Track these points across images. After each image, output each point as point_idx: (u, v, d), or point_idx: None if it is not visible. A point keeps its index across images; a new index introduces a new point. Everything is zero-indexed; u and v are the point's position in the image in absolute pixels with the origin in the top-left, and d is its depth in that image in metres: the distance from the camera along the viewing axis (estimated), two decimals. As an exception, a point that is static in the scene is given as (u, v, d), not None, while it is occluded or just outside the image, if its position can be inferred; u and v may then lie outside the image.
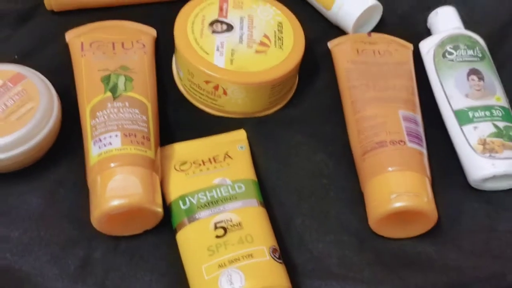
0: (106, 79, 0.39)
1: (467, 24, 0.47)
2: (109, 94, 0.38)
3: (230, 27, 0.42)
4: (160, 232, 0.36)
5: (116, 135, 0.36)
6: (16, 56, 0.43)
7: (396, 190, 0.35)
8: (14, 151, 0.36)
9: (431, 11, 0.48)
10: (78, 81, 0.40)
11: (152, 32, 0.45)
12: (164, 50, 0.44)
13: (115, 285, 0.34)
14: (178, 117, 0.43)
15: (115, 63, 0.40)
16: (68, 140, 0.39)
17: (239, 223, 0.34)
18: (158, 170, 0.37)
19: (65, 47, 0.43)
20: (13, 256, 0.35)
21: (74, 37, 0.43)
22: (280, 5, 0.44)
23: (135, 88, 0.39)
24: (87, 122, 0.37)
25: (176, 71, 0.44)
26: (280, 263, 0.33)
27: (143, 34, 0.44)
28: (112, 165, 0.35)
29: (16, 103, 0.37)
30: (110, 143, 0.35)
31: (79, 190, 0.37)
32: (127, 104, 0.38)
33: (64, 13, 0.46)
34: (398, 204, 0.35)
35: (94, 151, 0.36)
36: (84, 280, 0.35)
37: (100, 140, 0.36)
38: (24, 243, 0.35)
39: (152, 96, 0.40)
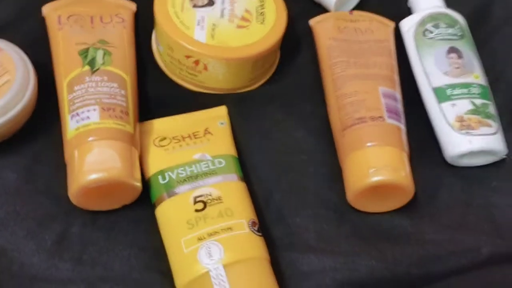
0: (84, 53, 0.38)
1: (449, 2, 0.47)
2: (87, 68, 0.37)
3: (211, 2, 0.41)
4: (139, 207, 0.36)
5: (95, 109, 0.35)
6: (-9, 29, 0.42)
7: (374, 164, 0.36)
8: (-11, 124, 0.35)
9: (412, -10, 0.48)
10: (54, 54, 0.40)
11: (132, 6, 0.44)
12: (143, 24, 0.44)
13: (92, 259, 0.34)
14: (157, 93, 0.42)
15: (94, 37, 0.40)
16: (44, 114, 0.39)
17: (219, 197, 0.34)
18: (137, 145, 0.36)
19: (42, 20, 0.42)
20: (-11, 230, 0.35)
21: (51, 10, 0.42)
22: (262, -20, 0.44)
23: (114, 62, 0.38)
24: (64, 96, 0.37)
25: (156, 46, 0.43)
26: (259, 235, 0.34)
27: (122, 8, 0.43)
28: (90, 139, 0.34)
29: (-9, 76, 0.36)
30: (88, 117, 0.35)
31: (56, 165, 0.37)
32: (105, 78, 0.37)
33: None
34: (376, 178, 0.35)
35: (71, 125, 0.35)
36: (61, 255, 0.34)
37: (78, 114, 0.35)
38: (0, 218, 0.35)
39: (131, 70, 0.39)
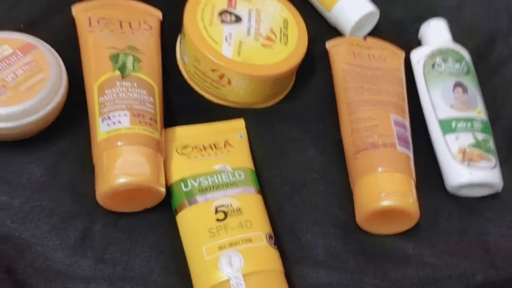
0: (114, 58, 0.40)
1: (454, 37, 0.50)
2: (118, 73, 0.39)
3: (238, 19, 0.43)
4: (159, 212, 0.38)
5: (125, 115, 0.37)
6: (22, 26, 0.43)
7: (385, 189, 0.38)
8: (21, 120, 0.36)
9: (422, 21, 0.51)
10: (84, 56, 0.41)
11: (158, 14, 0.45)
12: (167, 33, 0.45)
13: (114, 259, 0.36)
14: (178, 101, 0.44)
15: (123, 43, 0.41)
16: (71, 113, 0.40)
17: (239, 209, 0.36)
18: (163, 151, 0.38)
19: (70, 20, 0.44)
20: (14, 223, 0.36)
21: (81, 11, 0.43)
22: (286, 1, 0.46)
23: (143, 69, 0.40)
24: (94, 98, 0.38)
25: (181, 55, 0.45)
26: (276, 249, 0.36)
27: (150, 16, 0.45)
28: (120, 143, 0.36)
29: (26, 73, 0.37)
30: (120, 122, 0.36)
31: (81, 163, 0.38)
32: (135, 84, 0.39)
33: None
34: (386, 203, 0.38)
35: (102, 128, 0.37)
36: (84, 252, 0.36)
37: (109, 118, 0.37)
38: (25, 212, 0.36)
39: (158, 78, 0.41)
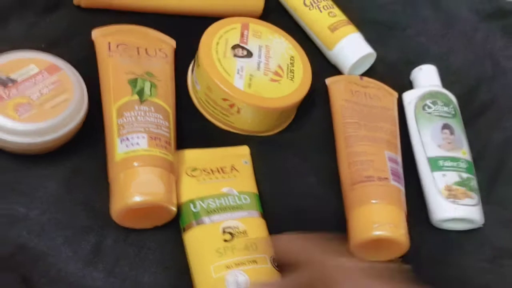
0: (133, 82, 0.42)
1: (443, 82, 0.54)
2: (136, 97, 0.41)
3: (249, 54, 0.46)
4: (167, 230, 0.40)
5: (143, 137, 0.39)
6: (43, 45, 0.45)
7: (378, 220, 0.41)
8: (44, 137, 0.38)
9: (414, 66, 0.55)
10: (103, 79, 0.43)
11: (173, 43, 0.48)
12: (178, 61, 0.48)
13: (123, 273, 0.38)
14: (188, 126, 0.46)
15: (141, 68, 0.44)
16: (87, 132, 0.42)
17: (245, 231, 0.38)
18: (175, 173, 0.40)
19: (89, 42, 0.46)
20: (30, 234, 0.37)
21: (101, 35, 0.46)
22: (292, 40, 0.49)
23: (159, 95, 0.42)
24: (113, 119, 0.40)
25: (192, 83, 0.48)
26: (278, 271, 0.38)
27: (165, 44, 0.47)
28: (136, 164, 0.38)
29: (51, 92, 0.39)
30: (138, 144, 0.39)
31: (95, 180, 0.41)
32: (152, 109, 0.41)
33: (88, 10, 0.49)
34: (379, 233, 0.41)
35: (120, 148, 0.39)
36: (95, 265, 0.38)
37: (128, 139, 0.39)
38: (41, 224, 0.38)
39: (172, 104, 0.43)
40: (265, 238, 0.39)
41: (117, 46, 0.45)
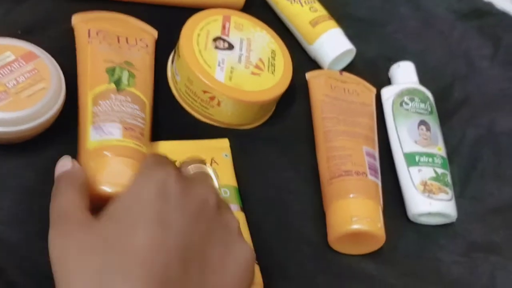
0: (111, 71, 0.41)
1: (420, 79, 0.55)
2: (113, 86, 0.41)
3: (231, 46, 0.46)
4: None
5: (118, 127, 0.39)
6: (19, 32, 0.44)
7: (356, 214, 0.42)
8: (20, 126, 0.37)
9: (392, 62, 0.56)
10: (81, 66, 0.43)
11: (154, 33, 0.48)
12: (158, 51, 0.48)
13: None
14: (166, 117, 0.46)
15: (120, 57, 0.43)
16: (63, 121, 0.41)
17: (225, 224, 0.38)
18: None
19: (67, 29, 0.45)
20: (3, 225, 0.37)
21: (81, 22, 0.45)
22: (274, 34, 0.49)
23: (137, 85, 0.42)
24: (88, 107, 0.40)
25: (172, 74, 0.47)
26: (257, 263, 0.38)
27: (146, 34, 0.47)
28: (108, 154, 0.38)
29: (27, 80, 0.38)
30: (112, 133, 0.38)
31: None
32: (129, 99, 0.41)
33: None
34: (357, 226, 0.41)
35: (92, 137, 0.38)
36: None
37: (101, 128, 0.38)
38: (14, 215, 0.37)
39: (150, 95, 0.43)
40: (244, 231, 0.39)
41: (97, 33, 0.44)
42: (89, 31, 0.44)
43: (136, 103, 0.41)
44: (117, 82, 0.41)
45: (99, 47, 0.43)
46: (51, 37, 0.45)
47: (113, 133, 0.39)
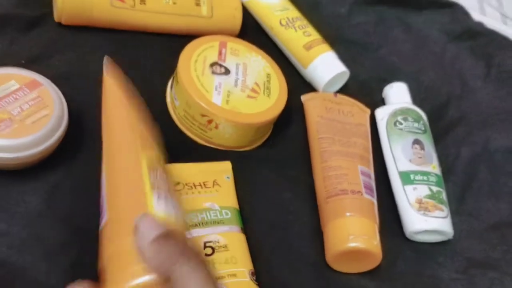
0: None
1: (413, 99, 0.56)
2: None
3: (227, 71, 0.48)
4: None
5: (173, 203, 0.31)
6: (23, 61, 0.45)
7: (353, 232, 0.43)
8: (24, 152, 0.39)
9: (386, 83, 0.58)
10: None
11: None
12: (158, 77, 0.49)
13: None
14: (166, 141, 0.47)
15: None
16: (68, 147, 0.42)
17: (225, 245, 0.39)
18: None
19: (69, 57, 0.47)
20: (10, 250, 0.37)
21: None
22: (269, 58, 0.51)
23: None
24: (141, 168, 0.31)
25: (171, 99, 0.49)
26: (257, 284, 0.39)
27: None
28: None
29: (31, 108, 0.40)
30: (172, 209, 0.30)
31: (75, 196, 0.41)
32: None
33: (69, 27, 0.50)
34: (354, 244, 0.42)
35: (158, 207, 0.30)
36: (73, 280, 0.38)
37: (164, 199, 0.30)
38: (21, 239, 0.38)
39: None
40: (244, 252, 0.40)
41: None
42: None
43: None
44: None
45: None
46: (54, 66, 0.47)
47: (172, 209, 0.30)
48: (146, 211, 0.29)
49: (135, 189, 0.30)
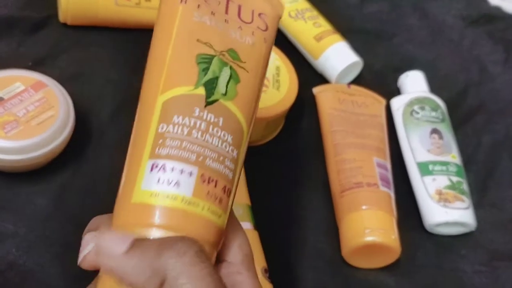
0: (205, 62, 0.23)
1: (430, 88, 0.55)
2: (202, 90, 0.23)
3: (235, 65, 0.47)
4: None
5: (191, 173, 0.22)
6: (30, 63, 0.45)
7: (369, 226, 0.41)
8: (31, 154, 0.38)
9: (401, 72, 0.56)
10: (157, 43, 0.24)
11: (280, 8, 0.27)
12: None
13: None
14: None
15: (224, 41, 0.24)
16: (75, 147, 0.42)
17: (236, 242, 0.38)
18: (220, 242, 0.24)
19: (75, 57, 0.46)
20: (19, 251, 0.37)
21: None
22: (278, 51, 0.50)
23: (239, 97, 0.24)
24: (151, 123, 0.23)
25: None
26: (270, 282, 0.38)
27: (270, 6, 0.26)
28: (160, 221, 0.22)
29: (37, 109, 0.39)
30: (178, 183, 0.22)
31: (83, 196, 0.40)
32: (221, 121, 0.23)
33: (74, 27, 0.49)
34: (371, 238, 0.41)
35: (147, 181, 0.22)
36: (85, 282, 0.37)
37: (164, 169, 0.22)
38: (30, 241, 0.38)
39: (251, 117, 0.25)
40: (257, 250, 0.39)
41: None
42: None
43: (230, 130, 0.23)
44: (209, 85, 0.23)
45: (196, 14, 0.24)
46: (60, 66, 0.47)
47: (181, 183, 0.22)
48: (131, 187, 0.22)
49: (137, 145, 0.23)
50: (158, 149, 0.22)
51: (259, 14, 0.25)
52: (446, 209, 0.45)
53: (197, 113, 0.23)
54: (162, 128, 0.22)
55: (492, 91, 0.58)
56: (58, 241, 0.38)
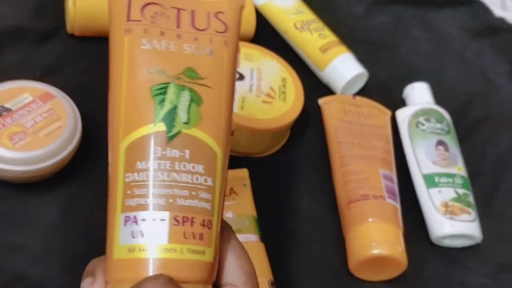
0: (160, 93, 0.22)
1: (436, 99, 0.55)
2: (161, 126, 0.22)
3: (242, 77, 0.47)
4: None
5: (163, 219, 0.21)
6: (37, 74, 0.45)
7: (376, 238, 0.41)
8: (39, 165, 0.38)
9: (406, 83, 0.56)
10: (112, 83, 0.23)
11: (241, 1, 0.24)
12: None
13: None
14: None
15: (178, 61, 0.22)
16: (83, 158, 0.42)
17: (243, 254, 0.38)
18: (214, 275, 0.23)
19: (83, 68, 0.46)
20: (26, 263, 0.37)
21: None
22: (284, 62, 0.50)
23: (205, 119, 0.22)
24: (118, 174, 0.22)
25: (186, 107, 0.48)
26: (276, 292, 0.38)
27: (227, 5, 0.24)
28: (140, 275, 0.21)
29: (45, 120, 0.39)
30: (152, 233, 0.21)
31: (91, 207, 0.40)
32: (187, 153, 0.22)
33: (81, 38, 0.49)
34: (377, 251, 0.41)
35: (123, 237, 0.22)
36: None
37: (136, 221, 0.21)
38: (38, 252, 0.38)
39: (225, 136, 0.23)
40: (263, 262, 0.39)
41: (143, 8, 0.23)
42: (129, 3, 0.23)
43: (199, 160, 0.22)
44: (170, 119, 0.22)
45: (143, 40, 0.22)
46: (67, 77, 0.47)
47: (154, 232, 0.21)
48: (112, 243, 0.22)
49: (112, 196, 0.22)
50: (127, 201, 0.22)
51: (216, 14, 0.23)
52: (453, 222, 0.45)
53: (159, 153, 0.22)
54: (128, 178, 0.22)
55: (497, 102, 0.58)
56: (66, 253, 0.38)
